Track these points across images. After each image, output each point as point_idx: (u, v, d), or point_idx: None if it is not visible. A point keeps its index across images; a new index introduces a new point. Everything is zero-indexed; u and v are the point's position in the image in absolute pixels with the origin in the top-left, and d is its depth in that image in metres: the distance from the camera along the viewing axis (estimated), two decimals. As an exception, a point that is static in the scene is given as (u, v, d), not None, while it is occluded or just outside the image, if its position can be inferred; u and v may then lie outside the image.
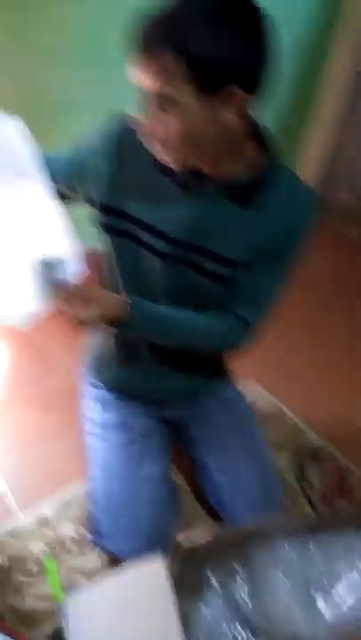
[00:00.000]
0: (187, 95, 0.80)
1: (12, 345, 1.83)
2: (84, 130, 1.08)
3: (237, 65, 0.79)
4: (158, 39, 0.78)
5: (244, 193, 0.96)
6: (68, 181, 1.06)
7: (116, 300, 1.01)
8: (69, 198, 1.09)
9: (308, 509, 1.42)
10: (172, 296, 1.06)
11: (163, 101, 0.82)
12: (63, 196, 1.06)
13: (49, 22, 1.60)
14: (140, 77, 0.82)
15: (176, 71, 0.78)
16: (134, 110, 0.93)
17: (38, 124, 1.74)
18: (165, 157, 0.91)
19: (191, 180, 0.96)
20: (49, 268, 0.94)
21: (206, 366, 1.27)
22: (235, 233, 0.98)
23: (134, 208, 1.01)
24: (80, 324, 0.97)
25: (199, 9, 0.78)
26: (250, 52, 0.80)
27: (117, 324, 1.01)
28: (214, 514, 1.30)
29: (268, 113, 0.89)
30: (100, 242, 1.10)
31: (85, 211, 1.11)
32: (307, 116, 2.46)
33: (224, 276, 1.01)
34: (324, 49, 2.27)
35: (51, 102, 1.76)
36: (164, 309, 1.06)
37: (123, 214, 1.02)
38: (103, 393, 1.31)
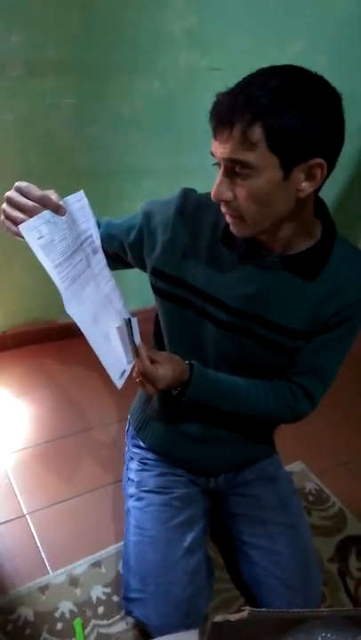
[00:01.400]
0: (268, 163, 0.80)
1: (50, 400, 1.85)
2: (151, 195, 1.12)
3: (325, 139, 0.81)
4: (242, 108, 0.78)
5: (304, 264, 0.96)
6: (123, 247, 1.09)
7: (180, 362, 1.04)
8: (122, 262, 1.13)
9: (348, 604, 1.34)
10: (226, 362, 1.07)
11: (240, 168, 0.81)
12: (115, 260, 1.10)
13: (120, 91, 1.70)
14: (217, 145, 0.83)
15: (258, 139, 0.79)
16: (201, 181, 0.96)
17: (116, 185, 1.86)
18: (233, 228, 0.92)
19: (252, 252, 0.98)
20: (130, 329, 0.99)
21: (254, 439, 1.24)
22: (294, 303, 0.99)
23: (194, 278, 1.03)
24: (153, 382, 1.00)
25: (277, 84, 0.78)
26: (334, 126, 0.82)
27: (178, 385, 1.04)
28: (245, 590, 1.25)
29: (326, 186, 0.89)
30: (157, 307, 1.13)
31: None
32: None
33: (282, 344, 1.02)
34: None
35: (125, 167, 1.87)
36: (224, 375, 1.07)
37: (182, 282, 1.04)
38: (144, 453, 1.30)
